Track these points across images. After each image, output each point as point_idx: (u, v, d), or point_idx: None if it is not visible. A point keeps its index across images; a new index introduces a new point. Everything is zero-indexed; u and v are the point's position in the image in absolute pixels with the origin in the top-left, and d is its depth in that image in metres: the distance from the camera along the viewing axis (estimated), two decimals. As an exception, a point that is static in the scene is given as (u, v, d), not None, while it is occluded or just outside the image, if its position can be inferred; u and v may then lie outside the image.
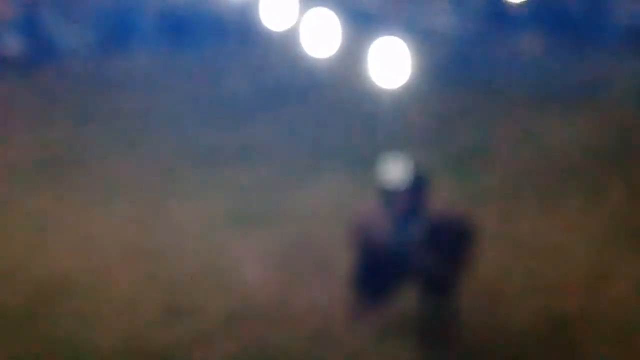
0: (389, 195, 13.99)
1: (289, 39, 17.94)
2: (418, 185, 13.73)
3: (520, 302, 15.93)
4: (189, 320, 14.99)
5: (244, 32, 20.79)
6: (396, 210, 14.01)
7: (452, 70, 19.06)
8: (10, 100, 22.97)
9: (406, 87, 15.80)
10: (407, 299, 13.83)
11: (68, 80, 24.12)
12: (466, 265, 14.03)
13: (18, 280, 16.31)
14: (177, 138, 20.73)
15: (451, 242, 14.25)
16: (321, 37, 17.12)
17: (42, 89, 23.64)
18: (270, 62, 20.20)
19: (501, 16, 24.90)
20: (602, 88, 21.85)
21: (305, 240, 16.51)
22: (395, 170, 14.22)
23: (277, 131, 19.96)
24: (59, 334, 15.05)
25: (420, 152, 18.44)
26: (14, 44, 25.32)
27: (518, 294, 15.98)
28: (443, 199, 16.68)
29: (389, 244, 14.12)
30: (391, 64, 15.82)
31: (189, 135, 20.89)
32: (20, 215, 19.39)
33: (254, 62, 21.26)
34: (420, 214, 14.01)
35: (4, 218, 19.37)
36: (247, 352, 14.05)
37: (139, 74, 24.08)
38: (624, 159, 19.02)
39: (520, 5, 24.99)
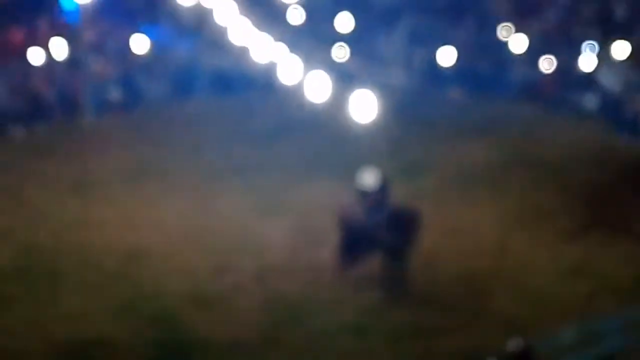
0: (362, 193, 15.58)
1: (297, 90, 18.23)
2: (382, 187, 15.28)
3: (448, 262, 17.14)
4: (231, 276, 16.45)
5: (268, 84, 20.91)
6: (367, 203, 15.65)
7: (403, 110, 19.28)
8: (114, 131, 23.25)
9: (373, 122, 16.10)
10: (375, 261, 15.61)
11: (151, 117, 24.32)
12: (413, 240, 15.68)
13: (113, 249, 17.35)
14: (223, 155, 21.52)
15: (403, 225, 15.90)
16: (318, 89, 17.38)
17: (135, 124, 23.90)
18: (284, 105, 20.46)
19: (436, 74, 24.80)
20: (500, 123, 22.00)
21: (306, 222, 17.78)
22: (367, 177, 14.90)
23: (288, 151, 20.77)
24: (140, 286, 16.07)
25: (383, 164, 19.04)
26: (116, 93, 25.20)
27: (446, 257, 17.07)
28: (398, 196, 17.30)
29: (363, 225, 15.84)
30: (364, 106, 15.97)
31: (230, 152, 21.58)
32: (117, 205, 20.01)
33: (274, 105, 21.49)
34: (383, 207, 15.25)
35: (105, 207, 19.99)
36: (270, 294, 15.68)
37: (199, 113, 24.28)
38: (515, 169, 19.40)
39: (449, 67, 24.69)
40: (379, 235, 15.51)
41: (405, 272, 15.55)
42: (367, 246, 15.69)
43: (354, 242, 15.73)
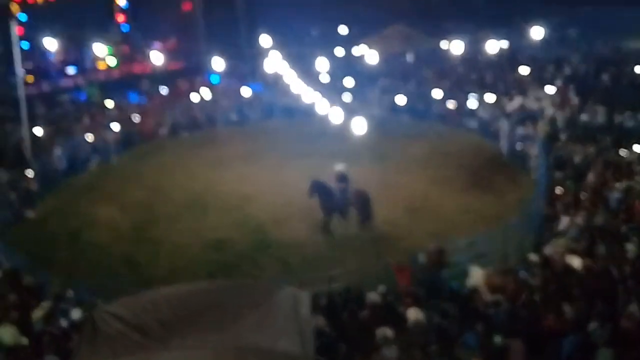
0: (337, 175, 15.18)
1: (326, 116, 17.94)
2: (345, 174, 15.13)
3: (398, 202, 16.35)
4: (292, 208, 15.94)
5: (311, 112, 20.54)
6: (338, 181, 15.16)
7: (378, 128, 18.76)
8: (234, 135, 23.28)
9: (363, 134, 15.75)
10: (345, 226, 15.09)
11: (252, 128, 24.20)
12: (369, 206, 14.87)
13: (234, 194, 17.44)
14: (289, 147, 21.00)
15: (361, 201, 15.02)
16: (336, 116, 17.09)
17: (244, 132, 23.77)
18: (320, 123, 19.96)
19: (395, 109, 24.31)
20: (427, 133, 21.60)
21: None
22: (340, 166, 15.37)
23: (321, 146, 20.03)
24: (247, 213, 16.14)
25: (366, 153, 18.85)
26: (234, 116, 24.99)
27: (396, 200, 16.46)
28: (372, 172, 17.74)
29: (334, 193, 15.14)
30: (359, 125, 15.64)
31: (293, 146, 21.00)
32: (236, 172, 19.15)
33: (314, 123, 20.97)
34: (346, 184, 15.11)
35: (230, 173, 19.22)
36: (312, 220, 15.24)
37: (276, 126, 23.98)
38: (434, 157, 19.63)
39: (402, 105, 24.09)
40: (343, 200, 14.99)
41: (369, 220, 14.87)
42: (337, 205, 15.01)
43: (329, 203, 15.03)
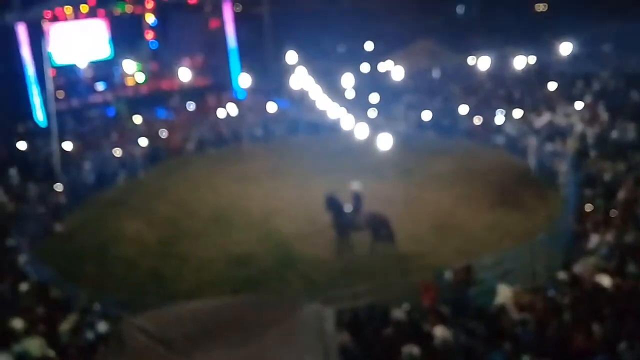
0: (351, 193, 14.93)
1: (351, 131, 17.91)
2: (359, 194, 14.78)
3: (424, 219, 16.40)
4: (316, 224, 15.85)
5: (337, 128, 20.51)
6: (352, 199, 14.89)
7: (403, 143, 18.68)
8: (259, 150, 23.38)
9: (389, 149, 15.73)
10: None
11: (277, 144, 24.20)
12: (385, 235, 14.52)
13: (258, 209, 17.68)
14: (313, 163, 20.96)
15: (376, 224, 14.62)
16: (362, 131, 17.08)
17: (269, 147, 23.89)
18: (345, 139, 19.95)
19: (421, 125, 24.16)
20: (453, 150, 21.32)
21: None
22: (355, 185, 15.08)
23: (346, 161, 19.91)
24: (272, 228, 16.27)
25: (392, 169, 18.76)
26: (260, 131, 25.05)
27: (422, 217, 16.50)
28: (399, 187, 17.64)
29: (347, 212, 14.89)
30: (384, 141, 15.60)
31: (317, 162, 20.94)
32: (260, 187, 19.27)
33: (340, 139, 20.98)
34: (359, 203, 14.79)
35: (255, 188, 19.31)
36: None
37: (301, 142, 23.94)
38: (460, 173, 19.33)
39: (428, 121, 23.95)
40: (353, 220, 14.69)
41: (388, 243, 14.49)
42: (346, 224, 14.77)
43: (339, 221, 14.82)
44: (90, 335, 10.08)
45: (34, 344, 9.65)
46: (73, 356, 9.26)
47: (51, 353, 9.48)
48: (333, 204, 14.92)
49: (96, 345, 9.51)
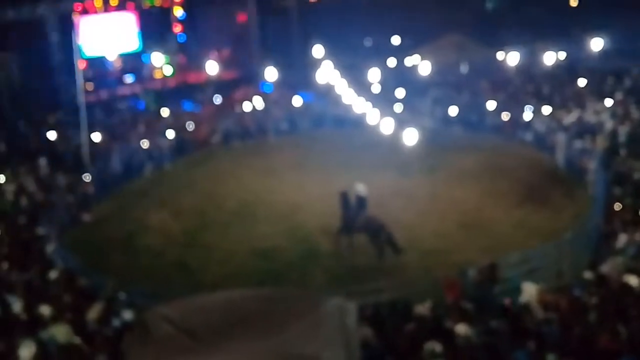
0: (356, 195, 14.80)
1: (376, 126, 17.85)
2: (363, 195, 14.65)
3: (451, 216, 16.37)
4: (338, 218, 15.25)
5: (362, 123, 20.48)
6: (356, 200, 14.75)
7: (429, 139, 18.55)
8: (284, 144, 23.35)
9: (414, 145, 15.68)
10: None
11: (302, 137, 24.06)
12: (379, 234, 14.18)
13: (284, 202, 17.67)
14: (338, 157, 20.70)
15: (371, 228, 14.21)
16: (387, 126, 17.06)
17: (294, 140, 23.82)
18: (370, 134, 19.95)
19: (448, 120, 23.95)
20: (481, 146, 21.10)
21: (377, 193, 16.10)
22: (360, 187, 14.95)
23: (371, 156, 19.79)
24: (296, 222, 16.16)
25: (416, 165, 18.67)
26: (285, 125, 25.08)
27: (450, 214, 16.33)
28: (423, 184, 17.67)
29: (351, 212, 14.76)
30: (409, 136, 15.55)
31: (342, 156, 20.72)
32: (286, 181, 19.24)
33: (365, 133, 20.98)
34: (363, 204, 14.65)
35: (280, 182, 19.32)
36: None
37: (326, 136, 23.76)
38: (488, 170, 19.03)
39: (455, 116, 23.79)
40: (356, 222, 14.49)
41: (382, 245, 14.11)
42: (348, 224, 14.67)
43: (346, 220, 14.73)
44: (116, 323, 10.27)
45: (60, 331, 9.80)
46: (99, 344, 9.42)
47: (77, 340, 9.70)
48: (344, 202, 14.88)
49: (122, 333, 9.66)
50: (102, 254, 15.01)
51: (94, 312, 10.41)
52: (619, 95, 21.77)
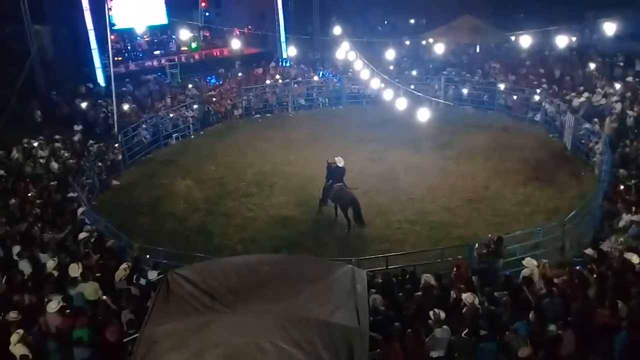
0: (334, 165, 14.76)
1: (391, 103, 17.61)
2: (341, 167, 14.60)
3: (460, 191, 16.21)
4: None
5: (378, 100, 20.32)
6: (334, 171, 14.73)
7: (441, 117, 18.48)
8: (302, 119, 23.63)
9: (427, 122, 15.60)
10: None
11: (320, 113, 24.18)
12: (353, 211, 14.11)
13: (299, 174, 17.66)
14: (353, 132, 21.02)
15: (345, 195, 14.20)
16: (401, 103, 16.82)
17: (312, 116, 23.95)
18: (385, 110, 19.84)
19: (460, 99, 23.64)
20: (491, 125, 21.12)
21: (390, 167, 15.81)
22: (338, 159, 14.83)
23: (384, 132, 20.24)
24: (309, 193, 16.07)
25: (428, 143, 18.72)
26: (303, 101, 25.01)
27: (459, 188, 16.22)
28: (435, 159, 16.78)
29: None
30: (422, 113, 15.42)
31: (357, 131, 21.01)
32: (302, 153, 19.25)
33: (380, 110, 20.89)
34: (341, 175, 14.59)
35: (296, 154, 19.32)
36: (369, 200, 15.10)
37: (342, 112, 23.81)
38: (497, 148, 19.09)
39: (467, 95, 23.56)
40: (331, 192, 14.43)
41: (348, 217, 14.02)
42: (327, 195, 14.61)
43: (325, 189, 14.72)
44: (142, 282, 10.43)
45: (89, 288, 10.06)
46: (125, 301, 9.61)
47: (105, 297, 9.90)
48: (328, 172, 14.89)
49: (147, 292, 9.85)
50: (129, 217, 15.19)
51: (120, 272, 10.65)
52: (630, 79, 21.33)
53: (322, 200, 14.91)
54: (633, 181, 13.64)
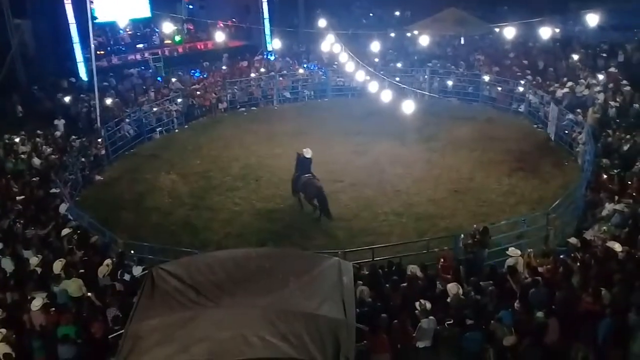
0: (303, 156, 14.87)
1: (376, 95, 17.62)
2: (309, 158, 14.70)
3: (445, 182, 16.20)
4: (338, 184, 16.00)
5: (363, 92, 20.33)
6: (301, 162, 14.85)
7: (426, 109, 18.50)
8: (287, 112, 23.53)
9: (412, 114, 15.60)
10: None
11: (305, 106, 24.08)
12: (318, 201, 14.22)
13: (283, 167, 17.51)
14: (338, 125, 20.97)
15: (307, 189, 14.35)
16: (386, 96, 16.82)
17: (297, 109, 23.81)
18: (370, 103, 19.85)
19: (444, 91, 23.66)
20: (475, 116, 21.08)
21: (377, 160, 15.85)
22: (306, 150, 14.92)
23: (370, 124, 20.27)
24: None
25: (413, 134, 18.68)
26: (288, 94, 24.87)
27: (444, 180, 16.27)
28: (420, 151, 16.59)
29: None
30: (407, 106, 15.45)
31: (342, 124, 20.96)
32: (286, 147, 18.63)
33: (365, 102, 20.92)
34: (308, 167, 14.68)
35: (281, 148, 19.05)
36: (356, 193, 15.15)
37: (328, 105, 23.75)
38: (481, 140, 19.17)
39: (451, 87, 23.67)
40: (299, 183, 14.56)
41: (316, 207, 14.21)
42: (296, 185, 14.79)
43: (294, 180, 14.89)
44: (126, 278, 10.36)
45: (73, 285, 9.98)
46: (110, 297, 9.53)
47: (89, 294, 9.81)
48: (297, 163, 14.97)
49: (131, 288, 9.77)
50: (113, 212, 15.08)
51: (103, 268, 10.56)
52: (612, 70, 21.50)
53: (293, 192, 14.99)
54: (615, 170, 13.82)
